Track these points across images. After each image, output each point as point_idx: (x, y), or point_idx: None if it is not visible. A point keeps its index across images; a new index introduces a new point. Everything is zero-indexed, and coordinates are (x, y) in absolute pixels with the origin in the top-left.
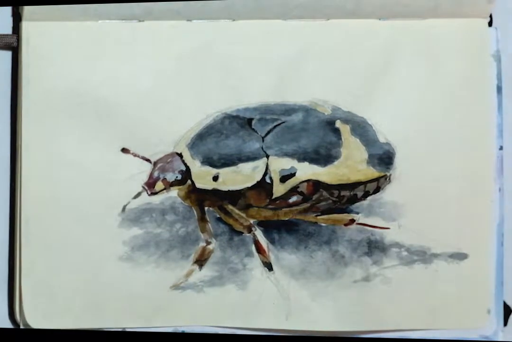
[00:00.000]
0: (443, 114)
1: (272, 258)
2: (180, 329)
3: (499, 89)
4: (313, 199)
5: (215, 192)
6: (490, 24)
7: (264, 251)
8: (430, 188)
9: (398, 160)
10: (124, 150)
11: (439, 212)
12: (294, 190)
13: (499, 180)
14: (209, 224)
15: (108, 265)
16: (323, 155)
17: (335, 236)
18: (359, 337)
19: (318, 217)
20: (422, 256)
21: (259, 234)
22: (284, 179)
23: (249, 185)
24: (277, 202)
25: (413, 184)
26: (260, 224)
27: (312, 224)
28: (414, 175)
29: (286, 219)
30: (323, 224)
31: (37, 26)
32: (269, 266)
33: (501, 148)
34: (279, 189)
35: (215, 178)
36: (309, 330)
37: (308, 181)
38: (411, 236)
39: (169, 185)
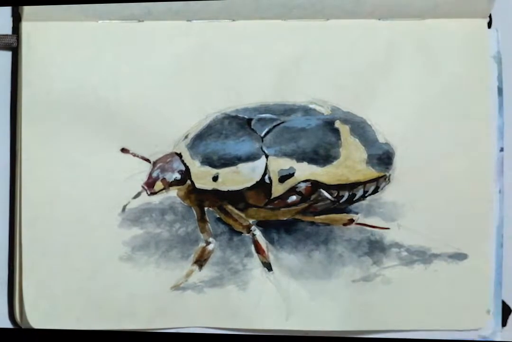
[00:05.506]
0: (442, 114)
1: (271, 258)
2: (180, 330)
3: (500, 90)
4: (311, 199)
5: (214, 192)
6: (490, 24)
7: (263, 251)
8: (429, 188)
9: (397, 161)
10: (124, 150)
11: (438, 212)
12: (292, 190)
13: (499, 181)
14: (209, 224)
15: (108, 265)
16: (322, 156)
17: (333, 235)
18: (359, 337)
19: (316, 217)
20: (422, 256)
21: (258, 234)
22: (283, 179)
23: (249, 185)
24: (276, 201)
25: (413, 184)
26: (259, 224)
27: (310, 224)
28: (414, 175)
29: (285, 218)
30: (321, 224)
31: (37, 26)
32: (268, 266)
33: (501, 150)
34: (278, 189)
35: (215, 178)
36: (309, 330)
37: (306, 181)
38: (410, 236)
39: (168, 185)
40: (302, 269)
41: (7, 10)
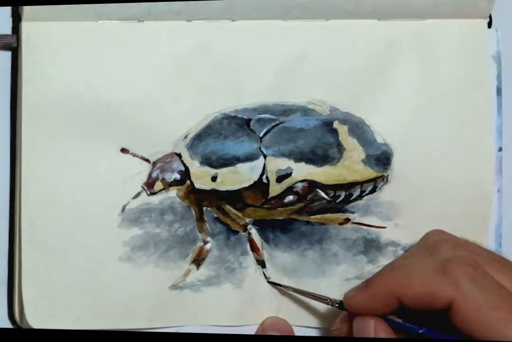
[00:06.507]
0: (441, 115)
1: (265, 256)
2: (179, 329)
3: (499, 90)
4: (308, 198)
5: (213, 192)
6: (489, 24)
7: (258, 249)
8: (428, 188)
9: (395, 161)
10: (124, 150)
11: (437, 211)
12: (289, 190)
13: (498, 181)
14: (207, 224)
15: (108, 265)
16: (320, 156)
17: (328, 235)
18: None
19: (312, 217)
20: None
21: (254, 232)
22: (280, 178)
23: (247, 185)
24: (273, 201)
25: (411, 184)
26: (256, 223)
27: (305, 223)
28: (412, 175)
29: (281, 218)
30: (316, 223)
31: (37, 26)
32: (262, 264)
33: (500, 149)
34: (275, 189)
35: (214, 178)
36: (298, 325)
37: (303, 181)
38: (407, 235)
39: (168, 185)
40: (295, 268)
41: (7, 10)
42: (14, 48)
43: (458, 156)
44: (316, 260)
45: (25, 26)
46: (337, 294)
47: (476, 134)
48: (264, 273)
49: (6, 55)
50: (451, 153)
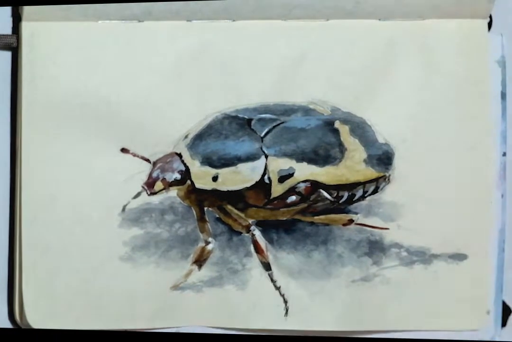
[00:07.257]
0: (442, 115)
1: (270, 258)
2: (180, 330)
3: (503, 95)
4: (311, 199)
5: (214, 192)
6: (490, 24)
7: (263, 251)
8: (430, 188)
9: (397, 161)
10: (124, 150)
11: (439, 212)
12: (292, 190)
13: (502, 186)
14: (208, 224)
15: (108, 265)
16: (322, 156)
17: (333, 236)
18: (358, 337)
19: (316, 217)
20: (421, 256)
21: (257, 234)
22: (282, 179)
23: (248, 185)
24: (275, 202)
25: (413, 184)
26: (259, 223)
27: (310, 224)
28: (414, 176)
29: (284, 218)
30: (320, 224)
31: (37, 26)
32: (267, 266)
33: (504, 154)
34: (277, 189)
35: (215, 178)
36: (308, 329)
37: (306, 181)
38: (410, 236)
39: (168, 185)
40: (301, 269)
41: (7, 10)
42: (14, 48)
43: (459, 157)
44: (321, 261)
45: (25, 26)
46: (343, 296)
47: (478, 136)
48: (269, 275)
49: (6, 55)
50: (452, 153)
